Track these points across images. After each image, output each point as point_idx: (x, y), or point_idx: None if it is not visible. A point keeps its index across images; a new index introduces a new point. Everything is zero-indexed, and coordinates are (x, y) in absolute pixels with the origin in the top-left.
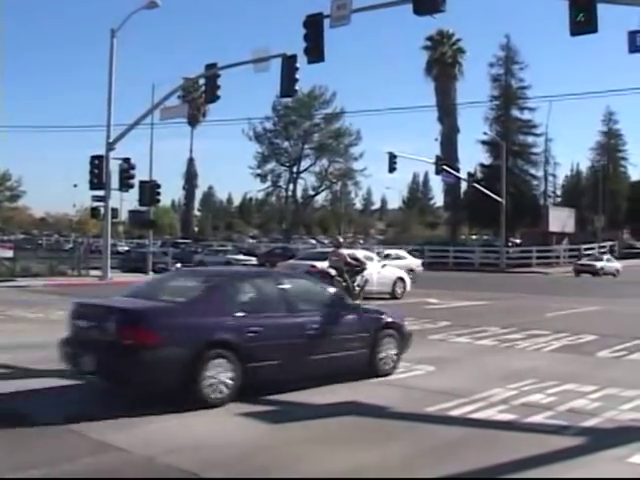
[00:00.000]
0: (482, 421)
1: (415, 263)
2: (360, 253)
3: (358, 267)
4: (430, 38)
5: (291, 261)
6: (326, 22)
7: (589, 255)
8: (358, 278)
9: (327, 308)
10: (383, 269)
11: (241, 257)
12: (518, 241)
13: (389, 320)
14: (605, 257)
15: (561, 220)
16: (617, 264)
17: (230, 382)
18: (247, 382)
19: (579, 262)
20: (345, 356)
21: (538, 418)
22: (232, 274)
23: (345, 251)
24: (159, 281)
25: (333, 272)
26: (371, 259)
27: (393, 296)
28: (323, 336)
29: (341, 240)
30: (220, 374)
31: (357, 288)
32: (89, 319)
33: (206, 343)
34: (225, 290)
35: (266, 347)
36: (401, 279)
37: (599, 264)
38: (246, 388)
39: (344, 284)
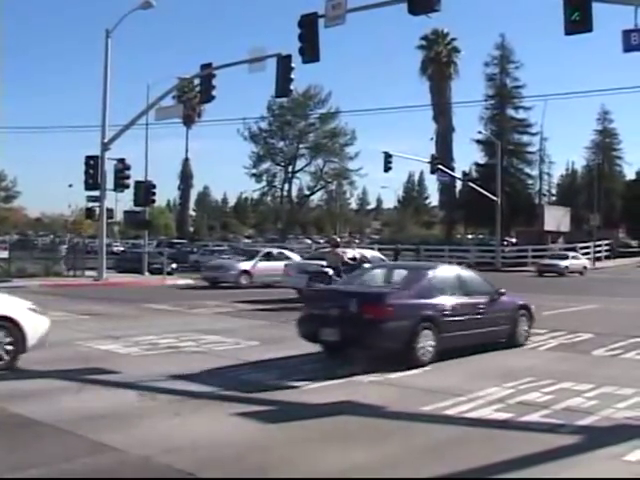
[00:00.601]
0: (478, 420)
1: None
2: (368, 253)
3: (356, 266)
4: (425, 37)
5: (298, 260)
6: (321, 22)
7: (544, 255)
8: None
9: (486, 292)
10: None
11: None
12: (514, 240)
13: (522, 302)
14: (571, 254)
15: (556, 219)
16: (585, 261)
17: (431, 348)
18: (439, 349)
19: (542, 262)
20: (496, 330)
21: (534, 417)
22: (429, 266)
23: (349, 251)
24: (366, 272)
25: (331, 272)
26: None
27: None
28: (485, 313)
29: (338, 240)
30: (427, 342)
31: None
32: (327, 301)
33: (420, 318)
34: (427, 278)
35: (452, 322)
36: None
37: (564, 263)
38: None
39: None
